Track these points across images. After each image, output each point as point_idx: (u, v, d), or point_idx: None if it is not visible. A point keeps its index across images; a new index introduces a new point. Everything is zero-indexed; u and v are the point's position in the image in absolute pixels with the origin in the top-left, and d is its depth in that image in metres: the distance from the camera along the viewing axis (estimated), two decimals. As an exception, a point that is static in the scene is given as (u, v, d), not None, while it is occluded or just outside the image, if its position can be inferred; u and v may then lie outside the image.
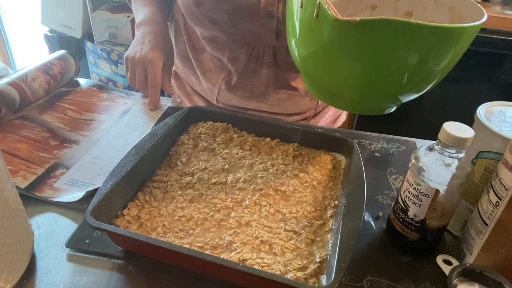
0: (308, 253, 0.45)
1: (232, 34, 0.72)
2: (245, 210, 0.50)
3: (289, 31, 0.54)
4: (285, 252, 0.45)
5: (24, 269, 0.43)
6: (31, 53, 2.36)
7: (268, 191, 0.53)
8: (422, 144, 0.68)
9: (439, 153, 0.43)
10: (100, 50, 1.76)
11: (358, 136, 0.70)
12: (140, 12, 0.79)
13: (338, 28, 0.43)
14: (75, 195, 0.52)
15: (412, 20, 0.41)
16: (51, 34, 1.92)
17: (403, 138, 0.71)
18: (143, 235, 0.42)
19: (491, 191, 0.42)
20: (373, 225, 0.53)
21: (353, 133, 0.72)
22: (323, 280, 0.42)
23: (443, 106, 1.62)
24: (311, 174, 0.57)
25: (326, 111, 0.89)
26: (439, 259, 0.46)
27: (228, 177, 0.55)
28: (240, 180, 0.54)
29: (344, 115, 0.95)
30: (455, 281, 0.41)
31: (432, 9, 0.58)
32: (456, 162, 0.43)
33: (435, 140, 0.44)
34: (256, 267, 0.42)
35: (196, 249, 0.44)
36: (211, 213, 0.49)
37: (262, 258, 0.43)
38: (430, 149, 0.44)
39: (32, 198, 0.53)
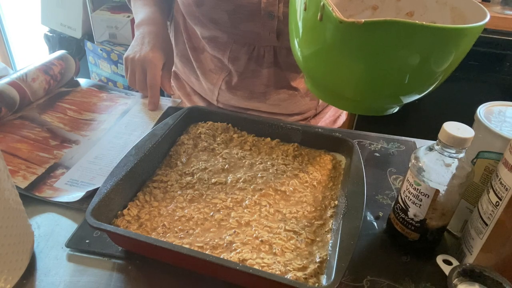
0: (308, 253, 0.45)
1: (232, 34, 0.72)
2: (245, 210, 0.50)
3: (292, 31, 0.54)
4: (285, 252, 0.45)
5: (24, 269, 0.43)
6: (31, 53, 2.36)
7: (268, 191, 0.53)
8: (422, 144, 0.68)
9: (439, 153, 0.43)
10: (100, 50, 1.76)
11: (358, 136, 0.70)
12: (140, 12, 0.79)
13: (343, 30, 0.44)
14: (75, 195, 0.52)
15: (416, 21, 0.41)
16: (51, 34, 1.92)
17: (403, 138, 0.71)
18: (143, 235, 0.42)
19: (491, 191, 0.42)
20: (373, 225, 0.53)
21: (353, 133, 0.72)
22: (323, 280, 0.42)
23: (443, 106, 1.62)
24: (311, 174, 0.57)
25: (326, 111, 0.89)
26: (439, 259, 0.46)
27: (228, 177, 0.55)
28: (240, 180, 0.54)
29: (344, 115, 0.95)
30: (455, 281, 0.41)
31: (434, 9, 0.58)
32: (456, 162, 0.43)
33: (435, 140, 0.44)
34: (256, 267, 0.42)
35: (196, 249, 0.44)
36: (211, 213, 0.49)
37: (262, 258, 0.43)
38: (430, 149, 0.44)
39: (32, 198, 0.53)
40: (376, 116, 0.57)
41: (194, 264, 0.43)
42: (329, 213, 0.51)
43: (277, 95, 0.79)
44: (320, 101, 0.84)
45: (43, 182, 0.55)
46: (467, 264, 0.43)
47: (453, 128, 0.42)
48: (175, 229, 0.47)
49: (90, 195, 0.52)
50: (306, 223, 0.49)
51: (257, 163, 0.58)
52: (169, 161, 0.58)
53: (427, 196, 0.44)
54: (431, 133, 0.58)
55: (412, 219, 0.46)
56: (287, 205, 0.52)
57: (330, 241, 0.46)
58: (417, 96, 0.51)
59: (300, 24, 0.50)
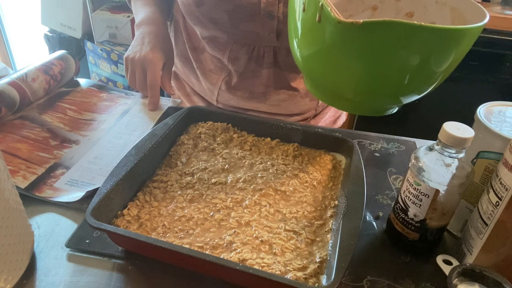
0: (308, 253, 0.45)
1: (232, 34, 0.72)
2: (245, 210, 0.50)
3: (291, 31, 0.54)
4: (285, 252, 0.45)
5: (24, 269, 0.43)
6: (31, 53, 2.36)
7: (268, 191, 0.53)
8: (422, 144, 0.68)
9: (439, 153, 0.43)
10: (100, 50, 1.76)
11: (358, 136, 0.70)
12: (140, 12, 0.79)
13: (341, 30, 0.44)
14: (75, 195, 0.52)
15: (415, 22, 0.41)
16: (51, 34, 1.92)
17: (403, 138, 0.71)
18: (143, 235, 0.42)
19: (491, 191, 0.42)
20: (373, 225, 0.53)
21: (353, 133, 0.72)
22: (323, 280, 0.42)
23: (443, 106, 1.62)
24: (311, 174, 0.57)
25: (326, 111, 0.89)
26: (439, 259, 0.46)
27: (228, 177, 0.55)
28: (240, 180, 0.54)
29: (344, 116, 0.95)
30: (455, 281, 0.41)
31: (434, 9, 0.58)
32: (456, 162, 0.43)
33: (435, 140, 0.44)
34: (256, 267, 0.42)
35: (196, 249, 0.44)
36: (211, 213, 0.49)
37: (262, 258, 0.43)
38: (430, 149, 0.44)
39: (32, 198, 0.53)
40: (376, 116, 0.57)
41: (194, 264, 0.43)
42: (329, 213, 0.51)
43: (277, 96, 0.79)
44: (320, 101, 0.84)
45: (43, 182, 0.55)
46: (467, 264, 0.43)
47: (453, 128, 0.42)
48: (175, 229, 0.47)
49: (90, 195, 0.52)
50: (306, 223, 0.49)
51: (257, 163, 0.58)
52: (169, 161, 0.58)
53: (427, 196, 0.44)
54: (431, 133, 0.58)
55: (412, 219, 0.46)
56: (287, 205, 0.52)
57: (330, 241, 0.46)
58: (417, 97, 0.51)
59: (299, 24, 0.50)
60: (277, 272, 0.42)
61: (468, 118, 0.48)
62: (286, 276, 0.41)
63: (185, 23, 0.80)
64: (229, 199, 0.51)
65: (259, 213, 0.50)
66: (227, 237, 0.46)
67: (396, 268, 0.47)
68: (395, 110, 0.57)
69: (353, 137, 0.68)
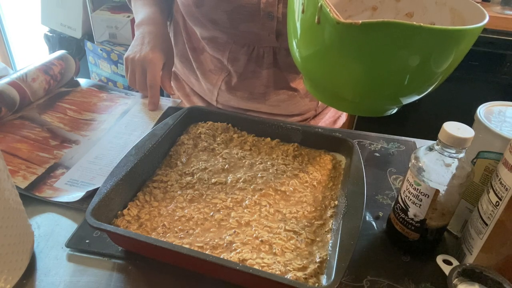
0: (308, 253, 0.45)
1: (232, 34, 0.72)
2: (245, 210, 0.50)
3: (290, 32, 0.54)
4: (285, 252, 0.45)
5: (24, 269, 0.43)
6: (31, 53, 2.36)
7: (268, 191, 0.53)
8: (422, 144, 0.68)
9: (439, 153, 0.43)
10: (100, 50, 1.76)
11: (358, 136, 0.70)
12: (140, 12, 0.79)
13: (340, 31, 0.44)
14: (75, 195, 0.52)
15: (414, 23, 0.41)
16: (51, 34, 1.92)
17: (403, 138, 0.71)
18: (143, 235, 0.42)
19: (491, 191, 0.42)
20: (373, 225, 0.53)
21: (353, 133, 0.72)
22: (323, 280, 0.42)
23: (443, 106, 1.62)
24: (311, 174, 0.57)
25: (326, 112, 0.89)
26: (439, 259, 0.46)
27: (228, 177, 0.55)
28: (240, 180, 0.54)
29: (344, 116, 0.95)
30: (455, 281, 0.41)
31: (433, 10, 0.58)
32: (456, 162, 0.43)
33: (435, 140, 0.44)
34: (256, 267, 0.42)
35: (196, 249, 0.44)
36: (211, 213, 0.49)
37: (262, 258, 0.43)
38: (430, 149, 0.44)
39: (32, 198, 0.53)
40: (376, 116, 0.57)
41: (194, 264, 0.43)
42: (329, 213, 0.51)
43: (276, 96, 0.79)
44: (320, 102, 0.84)
45: (43, 182, 0.55)
46: (467, 264, 0.43)
47: (453, 128, 0.42)
48: (175, 229, 0.47)
49: (90, 195, 0.52)
50: (306, 223, 0.49)
51: (257, 163, 0.58)
52: (169, 161, 0.58)
53: (427, 196, 0.44)
54: (431, 133, 0.58)
55: (412, 219, 0.46)
56: (287, 205, 0.52)
57: (330, 241, 0.46)
58: (417, 97, 0.51)
59: (298, 25, 0.50)
60: (277, 272, 0.42)
61: (468, 118, 0.48)
62: (286, 276, 0.41)
63: (185, 23, 0.80)
64: (229, 199, 0.51)
65: (259, 213, 0.50)
66: (227, 237, 0.46)
67: (396, 268, 0.47)
68: (395, 110, 0.57)
69: (353, 137, 0.68)
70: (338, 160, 0.60)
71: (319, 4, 0.43)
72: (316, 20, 0.45)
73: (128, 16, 1.71)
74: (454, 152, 0.42)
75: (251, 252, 0.44)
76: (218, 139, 0.62)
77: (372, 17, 0.62)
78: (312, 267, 0.43)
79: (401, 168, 0.64)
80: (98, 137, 0.66)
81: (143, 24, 0.76)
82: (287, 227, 0.48)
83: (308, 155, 0.60)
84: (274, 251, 0.45)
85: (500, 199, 0.41)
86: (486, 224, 0.43)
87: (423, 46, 0.43)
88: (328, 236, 0.47)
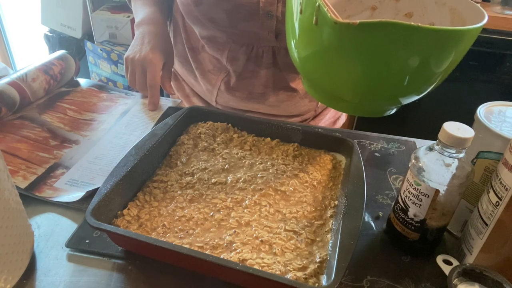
0: (308, 253, 0.45)
1: (231, 33, 0.72)
2: (245, 210, 0.50)
3: (288, 32, 0.54)
4: (285, 252, 0.45)
5: (24, 269, 0.43)
6: (31, 53, 2.36)
7: (268, 191, 0.53)
8: (422, 144, 0.68)
9: (439, 153, 0.43)
10: (100, 50, 1.76)
11: (358, 136, 0.70)
12: (140, 12, 0.79)
13: (338, 31, 0.43)
14: (75, 195, 0.52)
15: (412, 23, 0.41)
16: (51, 34, 1.92)
17: (403, 138, 0.71)
18: (143, 235, 0.42)
19: (491, 191, 0.42)
20: (373, 225, 0.53)
21: (353, 133, 0.72)
22: (323, 280, 0.42)
23: (443, 106, 1.62)
24: (311, 174, 0.57)
25: (326, 112, 0.89)
26: (439, 259, 0.46)
27: (228, 177, 0.55)
28: (240, 180, 0.54)
29: (343, 117, 0.94)
30: (455, 281, 0.41)
31: (433, 10, 0.58)
32: (456, 162, 0.43)
33: (435, 140, 0.44)
34: (256, 267, 0.42)
35: (196, 249, 0.44)
36: (211, 213, 0.49)
37: (262, 258, 0.43)
38: (430, 149, 0.44)
39: (32, 198, 0.53)
40: (375, 117, 0.57)
41: (194, 264, 0.43)
42: (329, 213, 0.51)
43: (276, 96, 0.79)
44: (319, 103, 0.84)
45: (43, 182, 0.55)
46: (467, 264, 0.43)
47: (453, 128, 0.42)
48: (175, 229, 0.47)
49: (90, 195, 0.52)
50: (306, 223, 0.49)
51: (257, 163, 0.58)
52: (169, 161, 0.58)
53: (427, 196, 0.44)
54: (431, 133, 0.58)
55: (412, 219, 0.46)
56: (287, 205, 0.52)
57: (330, 241, 0.46)
58: (416, 97, 0.51)
59: (296, 25, 0.50)
60: (277, 272, 0.42)
61: (468, 118, 0.48)
62: (286, 276, 0.41)
63: (184, 23, 0.80)
64: (229, 199, 0.51)
65: (259, 213, 0.50)
66: (227, 237, 0.46)
67: (396, 268, 0.47)
68: (394, 111, 0.57)
69: (353, 137, 0.68)
70: (338, 160, 0.60)
71: (317, 4, 0.43)
72: (314, 21, 0.45)
73: (128, 16, 1.71)
74: (454, 152, 0.42)
75: (251, 252, 0.44)
76: (218, 139, 0.62)
77: (372, 17, 0.62)
78: (312, 267, 0.43)
79: (401, 168, 0.64)
80: (98, 137, 0.66)
81: (143, 24, 0.76)
82: (287, 227, 0.48)
83: (308, 155, 0.60)
84: (274, 251, 0.45)
85: (500, 199, 0.41)
86: (486, 224, 0.43)
87: (422, 46, 0.43)
88: (328, 236, 0.47)
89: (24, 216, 0.44)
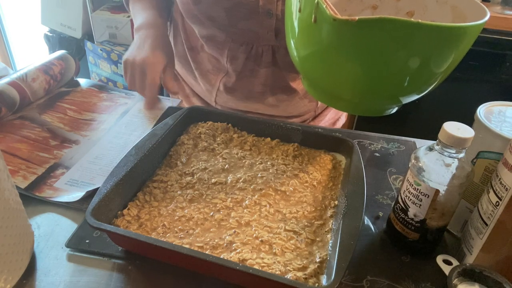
0: (308, 253, 0.45)
1: (230, 32, 0.71)
2: (245, 210, 0.50)
3: (288, 31, 0.54)
4: (285, 252, 0.45)
5: (24, 269, 0.43)
6: (31, 53, 2.36)
7: (268, 191, 0.53)
8: (422, 144, 0.68)
9: (439, 153, 0.43)
10: (100, 50, 1.76)
11: (358, 136, 0.70)
12: (139, 15, 0.79)
13: (337, 28, 0.43)
14: (75, 195, 0.52)
15: (412, 19, 0.40)
16: (51, 34, 1.92)
17: (403, 138, 0.71)
18: (143, 235, 0.42)
19: (491, 191, 0.42)
20: (373, 225, 0.53)
21: (353, 133, 0.72)
22: (323, 280, 0.42)
23: (443, 106, 1.62)
24: (311, 174, 0.57)
25: (326, 113, 0.89)
26: (439, 259, 0.46)
27: (228, 177, 0.55)
28: (240, 180, 0.54)
29: (343, 117, 0.94)
30: (455, 281, 0.41)
31: (434, 8, 0.57)
32: (456, 162, 0.43)
33: (435, 140, 0.44)
34: (256, 267, 0.42)
35: (196, 249, 0.44)
36: (211, 213, 0.49)
37: (262, 258, 0.43)
38: (430, 149, 0.44)
39: (32, 198, 0.53)
40: (375, 116, 0.57)
41: (194, 264, 0.43)
42: (329, 213, 0.51)
43: (275, 96, 0.79)
44: (319, 103, 0.84)
45: (43, 182, 0.55)
46: (467, 264, 0.43)
47: (453, 128, 0.42)
48: (175, 229, 0.47)
49: (90, 195, 0.52)
50: (306, 223, 0.49)
51: (257, 163, 0.58)
52: (169, 161, 0.58)
53: (427, 196, 0.44)
54: (431, 133, 0.58)
55: (412, 219, 0.46)
56: (287, 205, 0.52)
57: (330, 241, 0.46)
58: (416, 96, 0.51)
59: (295, 24, 0.50)
60: (277, 272, 0.42)
61: (468, 118, 0.48)
62: (286, 276, 0.41)
63: (184, 22, 0.80)
64: (229, 199, 0.51)
65: (259, 213, 0.50)
66: (227, 237, 0.46)
67: (396, 268, 0.47)
68: (395, 110, 0.57)
69: (353, 137, 0.68)
70: (338, 160, 0.60)
71: (316, 1, 0.43)
72: (313, 19, 0.44)
73: (128, 16, 1.71)
74: (454, 152, 0.42)
75: (251, 252, 0.44)
76: (218, 139, 0.62)
77: (372, 16, 0.62)
78: (312, 267, 0.43)
79: (401, 168, 0.63)
80: (98, 137, 0.66)
81: (142, 28, 0.76)
82: (287, 227, 0.48)
83: (308, 155, 0.60)
84: (274, 251, 0.45)
85: (500, 199, 0.41)
86: (486, 224, 0.43)
87: (423, 43, 0.43)
88: (328, 236, 0.47)
89: (24, 216, 0.44)
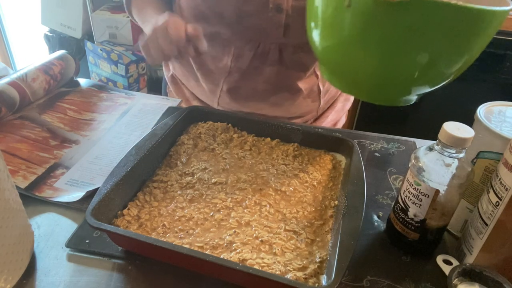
0: (308, 253, 0.45)
1: (237, 29, 0.70)
2: (245, 210, 0.50)
3: (311, 20, 0.51)
4: (285, 252, 0.45)
5: (24, 269, 0.43)
6: (31, 53, 2.36)
7: (268, 191, 0.53)
8: (422, 144, 0.68)
9: (439, 153, 0.43)
10: (100, 50, 1.76)
11: (358, 136, 0.70)
12: (152, 17, 0.69)
13: (375, 10, 0.42)
14: (75, 195, 0.52)
15: (452, 2, 0.40)
16: (51, 34, 1.92)
17: (403, 138, 0.71)
18: (143, 235, 0.42)
19: (491, 191, 0.42)
20: (373, 225, 0.53)
21: (353, 133, 0.72)
22: (323, 280, 0.42)
23: (443, 106, 1.62)
24: (311, 174, 0.57)
25: (327, 114, 0.88)
26: (439, 259, 0.46)
27: (228, 177, 0.55)
28: (240, 180, 0.54)
29: (344, 118, 0.94)
30: (455, 281, 0.41)
31: None
32: (456, 162, 0.43)
33: (435, 140, 0.44)
34: (256, 267, 0.42)
35: (196, 249, 0.44)
36: (211, 213, 0.49)
37: (262, 258, 0.43)
38: (430, 149, 0.44)
39: (32, 198, 0.53)
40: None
41: (194, 264, 0.43)
42: (329, 213, 0.51)
43: (279, 95, 0.78)
44: (322, 103, 0.84)
45: (43, 182, 0.55)
46: (467, 264, 0.43)
47: (453, 128, 0.42)
48: (175, 229, 0.47)
49: (90, 195, 0.52)
50: (306, 223, 0.49)
51: (257, 163, 0.58)
52: (169, 161, 0.58)
53: (427, 196, 0.44)
54: (431, 133, 0.57)
55: (412, 219, 0.46)
56: (287, 205, 0.52)
57: (330, 241, 0.46)
58: (440, 84, 0.49)
59: (323, 11, 0.47)
60: (277, 272, 0.42)
61: (468, 118, 0.48)
62: (286, 276, 0.41)
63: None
64: (229, 199, 0.51)
65: (259, 213, 0.50)
66: (227, 237, 0.46)
67: (396, 268, 0.47)
68: (413, 101, 0.55)
69: (353, 137, 0.68)
70: (338, 160, 0.60)
71: None
72: (346, 4, 0.43)
73: (128, 16, 1.71)
74: (454, 152, 0.42)
75: (251, 252, 0.44)
76: (218, 139, 0.62)
77: None
78: (312, 267, 0.43)
79: (401, 168, 0.64)
80: (98, 137, 0.66)
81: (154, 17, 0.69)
82: (287, 227, 0.48)
83: (308, 155, 0.60)
84: (274, 251, 0.45)
85: (500, 199, 0.41)
86: (486, 224, 0.43)
87: (460, 26, 0.41)
88: (328, 236, 0.47)
89: (24, 216, 0.44)
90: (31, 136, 0.63)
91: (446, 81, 0.49)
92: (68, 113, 0.71)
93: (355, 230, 0.43)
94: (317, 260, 0.44)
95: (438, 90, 0.55)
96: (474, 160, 0.47)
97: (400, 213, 0.48)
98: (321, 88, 0.80)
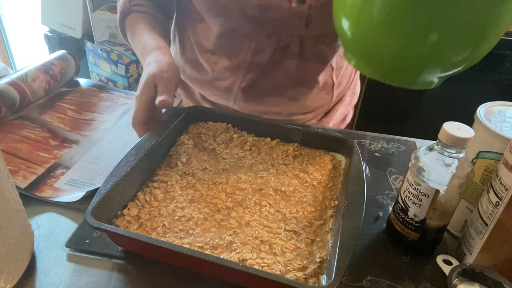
0: (308, 253, 0.45)
1: (257, 23, 0.69)
2: (245, 210, 0.50)
3: (341, 6, 0.49)
4: (285, 252, 0.45)
5: (24, 269, 0.43)
6: (31, 53, 2.36)
7: (268, 191, 0.53)
8: (422, 144, 0.68)
9: (439, 153, 0.43)
10: (100, 50, 1.76)
11: (358, 136, 0.70)
12: (149, 41, 0.69)
13: None
14: (75, 195, 0.52)
15: None
16: (51, 34, 1.92)
17: (403, 138, 0.71)
18: (143, 235, 0.42)
19: (491, 191, 0.42)
20: (373, 225, 0.53)
21: (353, 133, 0.72)
22: (323, 280, 0.42)
23: (443, 106, 1.62)
24: (311, 174, 0.57)
25: (337, 108, 0.87)
26: (439, 259, 0.46)
27: (228, 177, 0.55)
28: (240, 180, 0.54)
29: (351, 112, 0.94)
30: (455, 281, 0.41)
31: None
32: (456, 162, 0.43)
33: (435, 140, 0.44)
34: (256, 267, 0.42)
35: (196, 249, 0.44)
36: (211, 213, 0.49)
37: (262, 258, 0.43)
38: (430, 149, 0.44)
39: (32, 198, 0.53)
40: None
41: (194, 264, 0.43)
42: (329, 213, 0.51)
43: (296, 88, 0.77)
44: (334, 96, 0.83)
45: (43, 182, 0.55)
46: (467, 264, 0.43)
47: (453, 128, 0.42)
48: (175, 229, 0.47)
49: (90, 195, 0.52)
50: (306, 223, 0.49)
51: (257, 163, 0.58)
52: (169, 161, 0.58)
53: (427, 196, 0.44)
54: (431, 133, 0.58)
55: (412, 219, 0.46)
56: (287, 205, 0.52)
57: (330, 241, 0.46)
58: (463, 65, 0.47)
59: None
60: (277, 272, 0.42)
61: (468, 118, 0.48)
62: (286, 276, 0.41)
63: (195, 27, 0.78)
64: (229, 199, 0.51)
65: (259, 213, 0.50)
66: (227, 237, 0.46)
67: (396, 268, 0.47)
68: (436, 83, 0.53)
69: (353, 137, 0.68)
70: (338, 160, 0.60)
71: None
72: None
73: (128, 16, 1.71)
74: (454, 152, 0.42)
75: (251, 252, 0.44)
76: (218, 139, 0.62)
77: None
78: (312, 267, 0.43)
79: (401, 168, 0.64)
80: (98, 137, 0.66)
81: (158, 48, 0.67)
82: (287, 227, 0.48)
83: (308, 155, 0.60)
84: (274, 251, 0.45)
85: (500, 199, 0.41)
86: (486, 224, 0.43)
87: None
88: (328, 236, 0.47)
89: (24, 216, 0.44)
90: (31, 136, 0.63)
91: (470, 62, 0.47)
92: (68, 113, 0.71)
93: (355, 230, 0.43)
94: (317, 260, 0.44)
95: (438, 90, 0.54)
96: (474, 160, 0.47)
97: (400, 213, 0.48)
98: (335, 81, 0.80)
